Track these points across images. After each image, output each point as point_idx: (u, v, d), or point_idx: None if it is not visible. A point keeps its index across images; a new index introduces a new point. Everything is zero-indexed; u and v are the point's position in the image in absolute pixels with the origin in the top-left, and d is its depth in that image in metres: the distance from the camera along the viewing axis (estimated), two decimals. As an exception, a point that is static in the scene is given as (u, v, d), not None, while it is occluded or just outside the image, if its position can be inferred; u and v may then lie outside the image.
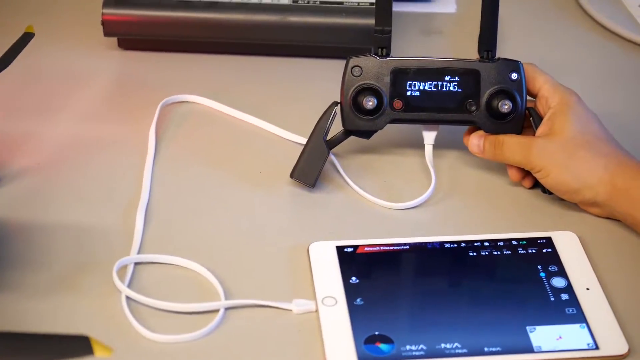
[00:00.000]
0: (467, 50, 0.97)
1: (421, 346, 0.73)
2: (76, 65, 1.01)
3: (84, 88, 0.98)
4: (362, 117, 0.87)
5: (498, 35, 0.88)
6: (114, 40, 1.03)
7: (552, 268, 0.80)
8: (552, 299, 0.77)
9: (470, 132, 0.89)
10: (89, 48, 1.03)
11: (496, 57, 0.87)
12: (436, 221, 0.85)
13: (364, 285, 0.78)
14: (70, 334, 0.63)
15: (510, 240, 0.82)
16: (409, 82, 0.87)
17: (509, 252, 0.81)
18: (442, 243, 0.81)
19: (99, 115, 0.95)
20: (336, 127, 0.88)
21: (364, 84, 0.86)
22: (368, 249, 0.81)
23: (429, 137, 0.89)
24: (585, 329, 0.75)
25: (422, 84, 0.87)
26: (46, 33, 1.02)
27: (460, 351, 0.73)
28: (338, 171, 0.89)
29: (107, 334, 0.73)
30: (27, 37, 0.87)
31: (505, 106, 0.86)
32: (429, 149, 0.89)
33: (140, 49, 1.03)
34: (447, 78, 0.87)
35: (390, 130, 0.90)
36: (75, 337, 0.62)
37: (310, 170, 0.86)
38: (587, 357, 0.73)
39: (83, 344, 0.62)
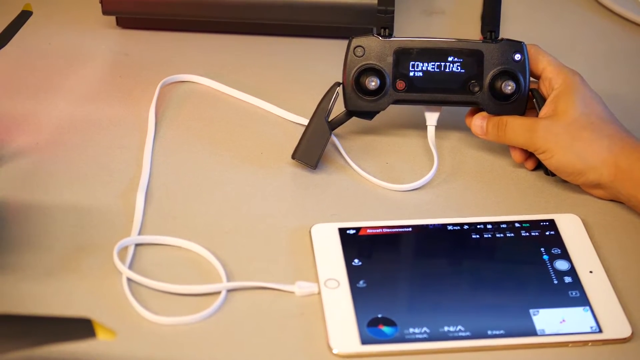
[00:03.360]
0: (470, 30, 0.96)
1: (424, 329, 0.73)
2: (74, 44, 1.00)
3: (83, 67, 0.97)
4: (365, 98, 0.86)
5: (501, 15, 0.87)
6: (113, 18, 1.02)
7: (555, 251, 0.79)
8: (556, 281, 0.77)
9: (473, 113, 0.88)
10: (88, 27, 1.02)
11: (499, 37, 0.87)
12: (438, 203, 0.84)
13: (366, 267, 0.77)
14: (72, 316, 0.63)
15: (513, 222, 0.81)
16: (411, 63, 0.86)
17: (512, 234, 0.80)
18: (444, 225, 0.81)
19: (98, 95, 0.94)
20: (338, 108, 0.87)
21: (367, 64, 0.86)
22: (370, 230, 0.80)
23: (432, 118, 0.89)
24: (589, 312, 0.75)
25: (425, 64, 0.86)
26: (44, 11, 1.01)
27: (463, 334, 0.73)
28: (340, 152, 0.88)
29: (108, 316, 0.73)
30: (24, 16, 0.86)
31: (509, 87, 0.85)
32: (431, 130, 0.89)
33: (140, 27, 1.02)
34: (450, 59, 0.86)
35: (393, 111, 0.89)
36: (77, 319, 0.62)
37: (312, 151, 0.85)
38: (591, 340, 0.73)
39: (85, 326, 0.61)
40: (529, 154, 0.87)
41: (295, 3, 0.98)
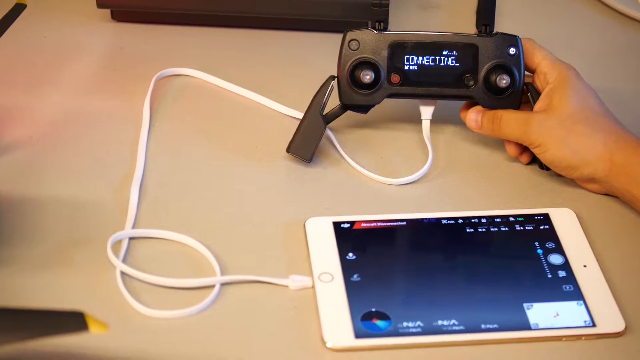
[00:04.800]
0: (465, 24, 0.96)
1: (418, 323, 0.73)
2: (69, 38, 1.00)
3: (77, 61, 0.97)
4: (359, 92, 0.86)
5: (496, 9, 0.87)
6: (108, 12, 1.02)
7: (550, 245, 0.79)
8: (550, 276, 0.77)
9: (468, 107, 0.88)
10: (82, 20, 1.02)
11: (494, 31, 0.87)
12: (433, 197, 0.84)
13: (360, 261, 0.77)
14: (65, 309, 0.62)
15: (507, 216, 0.81)
16: (406, 57, 0.86)
17: (506, 228, 0.80)
18: (439, 219, 0.81)
19: (92, 89, 0.94)
20: (333, 102, 0.87)
21: (362, 57, 0.86)
22: (365, 224, 0.80)
23: (427, 112, 0.89)
24: (582, 306, 0.75)
25: (420, 58, 0.86)
26: (38, 4, 1.01)
27: (457, 328, 0.73)
28: (334, 146, 0.88)
29: (101, 309, 0.73)
30: (18, 8, 0.86)
31: (504, 81, 0.85)
32: (426, 124, 0.89)
33: (135, 21, 1.02)
34: (445, 52, 0.86)
35: (388, 105, 0.89)
36: (70, 312, 0.62)
37: (306, 145, 0.85)
38: (584, 334, 0.73)
39: (78, 319, 0.61)
40: (524, 148, 0.87)
41: (290, -4, 0.98)
